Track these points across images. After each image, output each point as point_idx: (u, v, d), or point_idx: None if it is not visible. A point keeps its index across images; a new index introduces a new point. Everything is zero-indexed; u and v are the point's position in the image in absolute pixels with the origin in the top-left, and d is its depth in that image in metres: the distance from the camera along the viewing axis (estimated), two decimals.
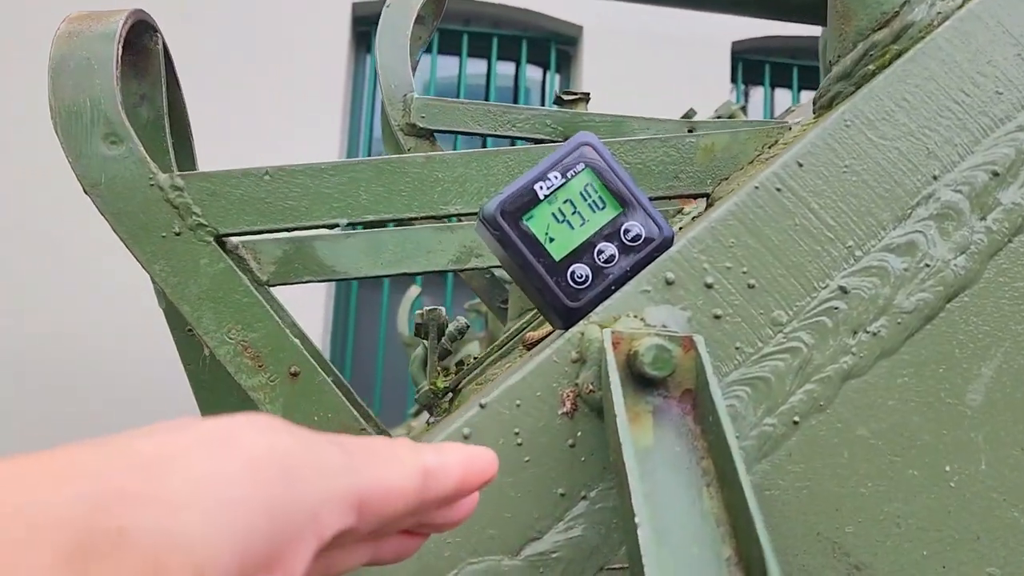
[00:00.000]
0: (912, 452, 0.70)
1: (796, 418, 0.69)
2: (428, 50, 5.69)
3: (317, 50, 5.43)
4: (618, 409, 0.61)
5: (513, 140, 1.43)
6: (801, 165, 0.73)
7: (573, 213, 0.71)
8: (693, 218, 0.93)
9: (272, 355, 0.81)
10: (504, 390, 0.67)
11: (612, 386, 0.62)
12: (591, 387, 0.67)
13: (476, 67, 6.22)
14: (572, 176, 0.72)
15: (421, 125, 1.27)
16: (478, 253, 1.28)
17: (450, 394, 0.97)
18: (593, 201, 0.72)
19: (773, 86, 6.44)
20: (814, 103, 0.92)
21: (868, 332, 0.71)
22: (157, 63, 1.00)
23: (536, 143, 1.40)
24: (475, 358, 0.97)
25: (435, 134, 1.29)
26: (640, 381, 0.65)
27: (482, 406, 0.67)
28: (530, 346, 0.91)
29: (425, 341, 0.99)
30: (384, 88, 1.28)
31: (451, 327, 1.11)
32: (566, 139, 1.35)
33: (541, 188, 0.71)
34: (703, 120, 1.35)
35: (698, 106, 2.73)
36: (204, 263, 0.82)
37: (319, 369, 0.81)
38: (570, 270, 0.70)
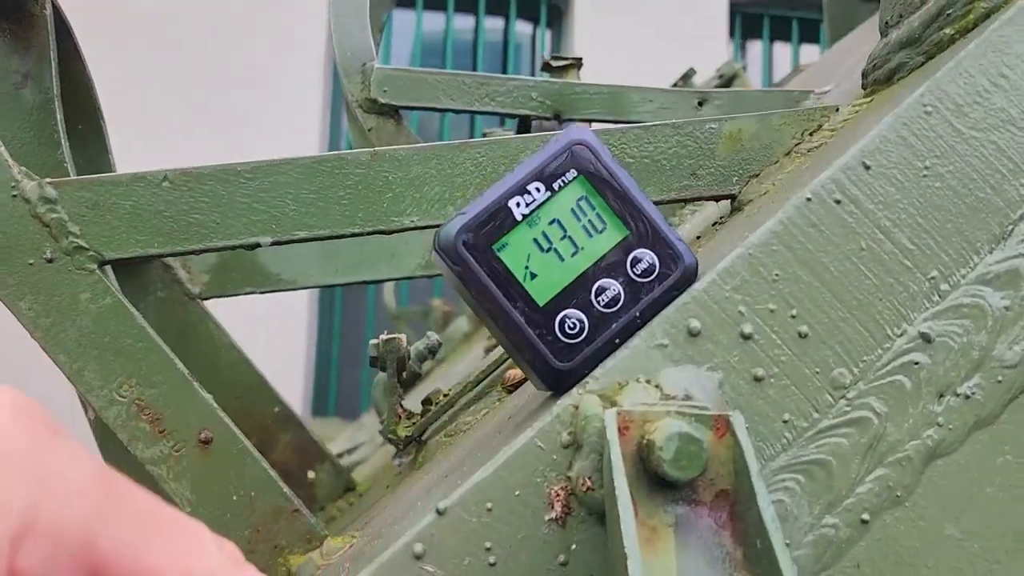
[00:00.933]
0: (1020, 557, 0.52)
1: (865, 516, 0.52)
2: (410, 5, 5.42)
3: (293, 27, 5.10)
4: (626, 525, 0.43)
5: (501, 119, 1.23)
6: (868, 167, 0.54)
7: (562, 239, 0.53)
8: (714, 226, 0.74)
9: (176, 417, 0.63)
10: (470, 489, 0.49)
11: (618, 492, 0.44)
12: (588, 482, 0.49)
13: (463, 23, 5.96)
14: (561, 187, 0.53)
15: (383, 100, 1.07)
16: None
17: (413, 444, 0.80)
18: (589, 221, 0.53)
19: (772, 40, 6.19)
20: (864, 76, 0.73)
21: (959, 395, 0.53)
22: (45, 34, 0.80)
23: (522, 121, 1.20)
24: (444, 395, 0.79)
25: (401, 111, 1.09)
26: (657, 482, 0.47)
27: (440, 512, 0.49)
28: (511, 388, 0.73)
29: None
30: (339, 56, 1.08)
31: (419, 346, 0.93)
32: (556, 116, 1.16)
33: (519, 205, 0.52)
34: (714, 90, 1.16)
35: (696, 63, 2.50)
36: (85, 298, 0.63)
37: (238, 434, 0.63)
38: (559, 318, 0.52)
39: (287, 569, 0.61)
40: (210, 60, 4.64)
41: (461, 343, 2.56)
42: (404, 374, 0.81)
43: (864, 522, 0.52)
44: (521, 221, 0.52)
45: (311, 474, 0.96)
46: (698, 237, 0.76)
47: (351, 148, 1.29)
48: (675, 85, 2.48)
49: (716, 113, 1.14)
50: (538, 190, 0.52)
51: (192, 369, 0.99)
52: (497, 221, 0.52)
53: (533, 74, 5.26)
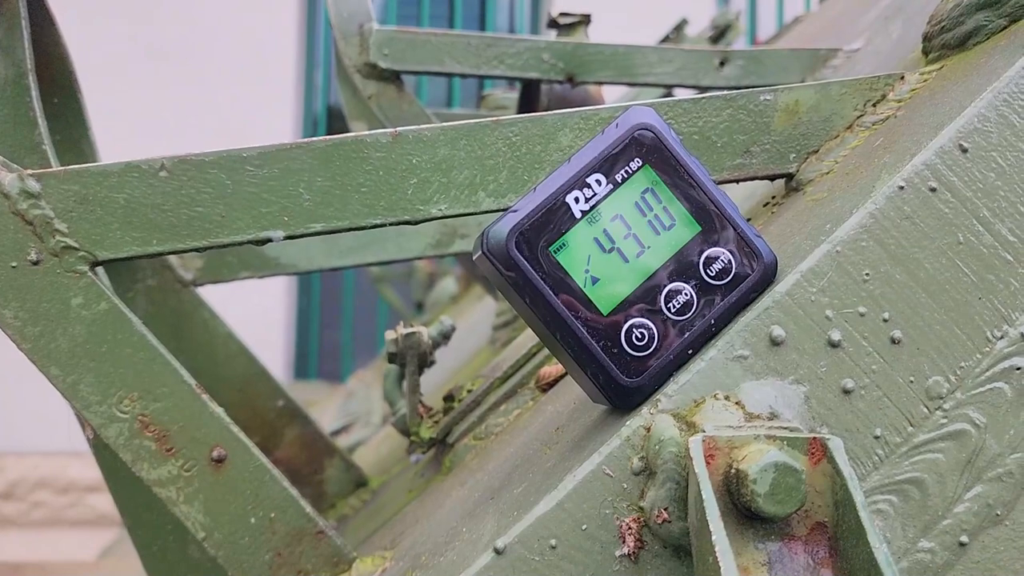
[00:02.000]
0: None
1: (963, 537, 0.47)
2: None
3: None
4: (726, 567, 0.38)
5: (510, 81, 1.14)
6: (966, 150, 0.48)
7: (627, 237, 0.47)
8: (767, 206, 0.68)
9: (185, 433, 0.56)
10: (531, 524, 0.44)
11: (713, 528, 0.39)
12: (664, 514, 0.44)
13: None
14: (624, 179, 0.47)
15: (384, 65, 0.99)
16: (464, 233, 1.03)
17: (438, 446, 0.74)
18: (656, 216, 0.47)
19: None
20: (927, 39, 0.67)
21: None
22: (15, 1, 0.71)
23: (524, 86, 1.13)
24: (468, 390, 0.73)
25: (402, 76, 1.01)
26: (747, 515, 0.42)
27: (498, 551, 0.43)
28: (546, 387, 0.67)
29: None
30: (334, 18, 1.00)
31: (434, 333, 0.86)
32: (569, 79, 1.09)
33: (578, 201, 0.46)
34: (736, 49, 1.09)
35: (678, 13, 2.39)
36: (77, 304, 0.56)
37: (254, 450, 0.57)
38: (625, 328, 0.46)
39: None
40: (180, 15, 4.47)
41: (448, 306, 2.49)
42: (424, 369, 0.75)
43: (962, 545, 0.47)
44: (581, 218, 0.46)
45: (320, 469, 0.91)
46: (748, 220, 0.70)
47: (329, 110, 1.19)
48: (667, 37, 2.40)
49: (738, 73, 1.08)
50: (599, 183, 0.46)
51: (189, 362, 0.92)
52: (554, 219, 0.45)
53: (512, 23, 5.13)
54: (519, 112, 1.20)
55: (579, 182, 0.46)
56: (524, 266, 0.45)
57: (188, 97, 4.34)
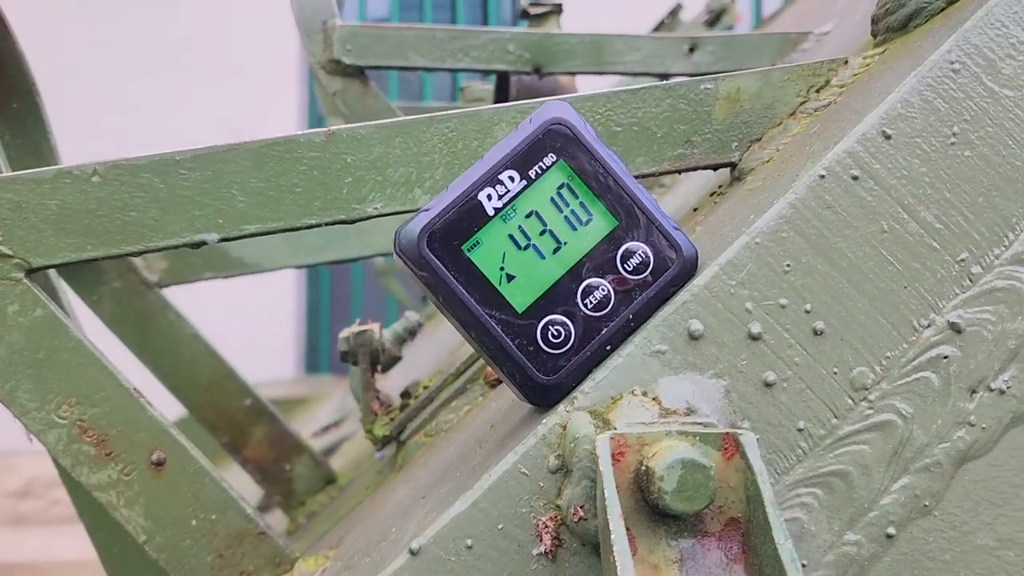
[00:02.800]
0: None
1: (890, 529, 0.46)
2: None
3: None
4: (622, 567, 0.37)
5: (484, 74, 1.13)
6: (889, 137, 0.47)
7: (542, 233, 0.46)
8: (712, 196, 0.68)
9: (124, 437, 0.57)
10: (447, 524, 0.43)
11: (613, 527, 0.39)
12: (581, 511, 0.44)
13: None
14: (538, 175, 0.46)
15: (347, 61, 0.99)
16: None
17: (393, 444, 0.74)
18: (572, 212, 0.46)
19: None
20: (874, 21, 0.66)
21: (993, 390, 0.47)
22: None
23: (499, 77, 1.12)
24: (424, 387, 0.74)
25: (367, 72, 1.01)
26: (659, 513, 0.41)
27: (413, 552, 0.43)
28: (495, 382, 0.67)
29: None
30: (296, 14, 1.00)
31: (397, 328, 0.86)
32: (536, 70, 1.08)
33: (491, 198, 0.46)
34: (705, 35, 1.08)
35: None
36: (13, 311, 0.56)
37: (193, 453, 0.57)
38: (541, 326, 0.45)
39: None
40: (180, 17, 4.47)
41: None
42: (380, 365, 0.75)
43: (889, 536, 0.46)
44: (494, 216, 0.45)
45: (288, 467, 0.91)
46: (695, 209, 0.69)
47: (325, 115, 1.20)
48: (662, 22, 2.38)
49: (709, 59, 1.07)
50: (512, 179, 0.46)
51: (155, 362, 0.93)
52: (466, 217, 0.45)
53: (515, 23, 5.10)
54: (495, 103, 1.19)
55: (491, 179, 0.45)
56: (436, 265, 0.45)
57: (190, 95, 4.35)
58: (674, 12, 2.38)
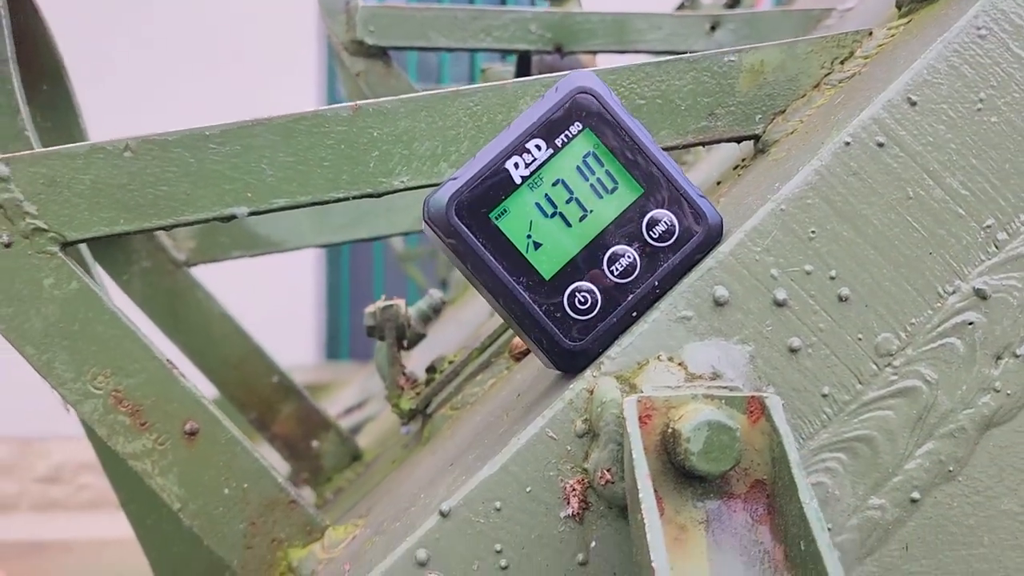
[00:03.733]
0: None
1: (915, 494, 0.47)
2: None
3: None
4: (650, 525, 0.38)
5: (503, 56, 1.14)
6: (914, 103, 0.47)
7: (568, 201, 0.47)
8: (736, 169, 0.68)
9: (158, 408, 0.58)
10: (476, 487, 0.44)
11: (641, 487, 0.39)
12: (608, 475, 0.44)
13: None
14: (565, 143, 0.47)
15: (370, 42, 0.99)
16: None
17: (419, 417, 0.75)
18: (598, 180, 0.47)
19: None
20: None
21: (1018, 356, 0.47)
22: None
23: (520, 59, 1.12)
24: (450, 361, 0.74)
25: (389, 52, 1.02)
26: (686, 475, 0.42)
27: (444, 514, 0.44)
28: (519, 355, 0.68)
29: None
30: None
31: (422, 306, 0.87)
32: (558, 49, 1.08)
33: (518, 166, 0.46)
34: (727, 12, 1.08)
35: None
36: (49, 284, 0.57)
37: (225, 423, 0.58)
38: (568, 292, 0.46)
39: (287, 563, 0.57)
40: (205, 5, 4.49)
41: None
42: (405, 341, 0.76)
43: (914, 501, 0.47)
44: (521, 184, 0.46)
45: (315, 444, 0.92)
46: (718, 183, 0.69)
47: (345, 93, 1.21)
48: (682, 3, 2.36)
49: (730, 37, 1.06)
50: (539, 148, 0.46)
51: (185, 341, 0.95)
52: (494, 185, 0.46)
53: (536, 2, 5.08)
54: None
55: (518, 148, 0.46)
56: (464, 233, 0.45)
57: (211, 83, 4.37)
58: None
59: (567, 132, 0.46)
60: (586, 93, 0.46)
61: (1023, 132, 0.48)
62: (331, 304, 5.27)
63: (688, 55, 0.61)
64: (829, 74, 0.62)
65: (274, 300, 4.18)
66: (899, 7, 0.66)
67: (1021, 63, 0.48)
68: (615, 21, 1.04)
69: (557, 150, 0.46)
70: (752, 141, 0.64)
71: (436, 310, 0.90)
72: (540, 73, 1.11)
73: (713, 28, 1.05)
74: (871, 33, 0.63)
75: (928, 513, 0.47)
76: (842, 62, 0.62)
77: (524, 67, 1.16)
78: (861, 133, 0.47)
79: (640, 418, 0.42)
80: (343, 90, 1.17)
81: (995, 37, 0.48)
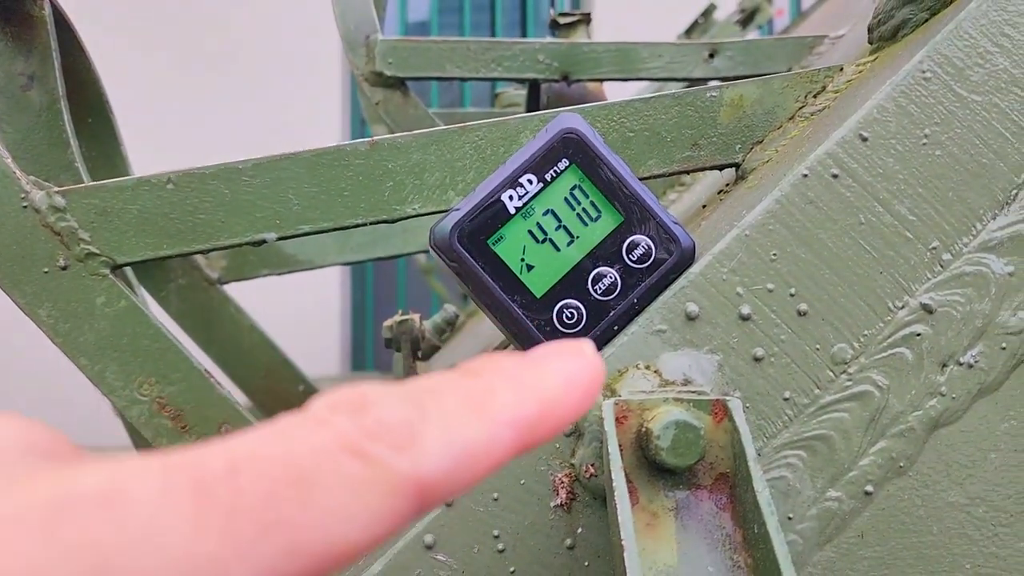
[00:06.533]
0: None
1: (868, 487, 0.52)
2: None
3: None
4: (621, 509, 0.44)
5: (520, 82, 1.21)
6: (866, 139, 0.53)
7: (557, 229, 0.53)
8: (720, 194, 0.74)
9: (197, 413, 0.65)
10: None
11: (615, 477, 0.45)
12: (592, 469, 0.50)
13: None
14: (553, 178, 0.53)
15: (389, 73, 1.07)
16: None
17: None
18: (583, 210, 0.53)
19: None
20: (869, 31, 0.71)
21: (962, 364, 0.53)
22: (45, 34, 0.80)
23: (531, 84, 1.19)
24: None
25: (407, 83, 1.09)
26: (657, 468, 0.48)
27: (448, 504, 0.50)
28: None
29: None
30: (341, 30, 1.08)
31: (437, 319, 0.94)
32: (564, 77, 1.15)
33: (512, 199, 0.53)
34: (725, 41, 1.13)
35: None
36: (101, 302, 0.65)
37: (254, 424, 0.65)
38: (557, 309, 0.52)
39: None
40: (222, 37, 4.62)
41: None
42: (420, 352, 0.83)
43: (867, 493, 0.52)
44: (515, 214, 0.52)
45: None
46: (704, 206, 0.75)
47: (368, 122, 1.30)
48: (695, 23, 2.42)
49: (728, 64, 1.12)
50: (530, 182, 0.52)
51: (218, 352, 1.02)
52: (491, 215, 0.52)
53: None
54: (527, 109, 1.26)
55: (512, 182, 0.52)
56: (465, 257, 0.52)
57: (237, 102, 4.49)
58: (707, 12, 2.42)
59: (555, 168, 0.53)
60: (572, 133, 0.53)
61: (964, 164, 0.53)
62: (356, 316, 5.36)
63: (672, 92, 0.67)
64: (803, 107, 0.68)
65: (302, 314, 4.28)
66: (871, 43, 0.71)
67: (963, 102, 0.53)
68: (619, 50, 1.10)
69: (547, 184, 0.53)
70: (734, 168, 0.70)
71: (450, 323, 0.96)
72: (549, 98, 1.18)
73: (712, 56, 1.11)
74: (842, 69, 0.69)
75: (881, 504, 0.52)
76: (815, 96, 0.68)
77: (535, 93, 1.23)
78: (817, 166, 0.53)
79: (617, 419, 0.48)
80: (364, 115, 1.24)
81: (939, 79, 0.54)
